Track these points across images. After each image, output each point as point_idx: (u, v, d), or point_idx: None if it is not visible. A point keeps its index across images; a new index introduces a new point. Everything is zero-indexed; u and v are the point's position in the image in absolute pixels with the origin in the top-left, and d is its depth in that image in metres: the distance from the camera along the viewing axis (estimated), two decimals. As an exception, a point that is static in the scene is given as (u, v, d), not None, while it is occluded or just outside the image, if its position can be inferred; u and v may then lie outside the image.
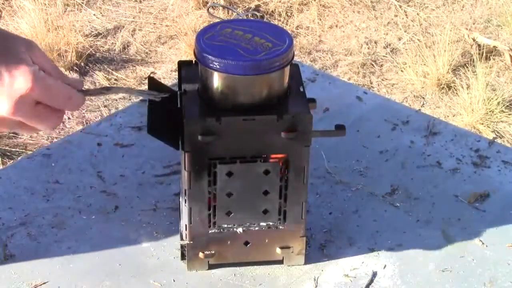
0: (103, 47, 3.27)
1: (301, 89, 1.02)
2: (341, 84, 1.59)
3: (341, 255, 1.14)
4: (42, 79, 0.84)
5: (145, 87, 0.99)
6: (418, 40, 3.30)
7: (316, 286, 1.09)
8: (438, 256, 1.14)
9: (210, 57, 0.95)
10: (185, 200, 1.03)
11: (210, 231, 1.06)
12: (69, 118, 2.81)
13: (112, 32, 3.38)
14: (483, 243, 1.17)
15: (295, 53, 1.04)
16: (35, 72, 0.83)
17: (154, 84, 1.03)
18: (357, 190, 1.27)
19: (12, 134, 2.69)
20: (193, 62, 1.03)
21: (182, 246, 1.09)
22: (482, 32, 3.37)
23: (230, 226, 1.06)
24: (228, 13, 3.36)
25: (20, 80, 0.82)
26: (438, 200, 1.25)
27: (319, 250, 1.14)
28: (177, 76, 1.06)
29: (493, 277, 1.11)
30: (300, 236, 1.08)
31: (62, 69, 3.03)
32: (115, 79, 3.08)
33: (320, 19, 3.49)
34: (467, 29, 3.37)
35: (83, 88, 0.90)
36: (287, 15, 3.51)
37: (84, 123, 2.76)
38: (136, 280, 1.09)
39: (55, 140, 2.62)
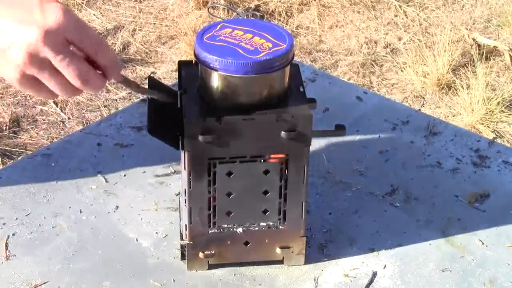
0: (103, 47, 3.27)
1: (301, 89, 1.02)
2: (341, 84, 1.59)
3: (341, 255, 1.14)
4: (73, 15, 0.84)
5: (144, 87, 0.99)
6: (418, 40, 3.30)
7: (316, 286, 1.09)
8: (438, 256, 1.14)
9: (210, 57, 0.95)
10: (185, 200, 1.03)
11: (210, 231, 1.06)
12: (69, 118, 2.81)
13: (112, 32, 3.38)
14: (483, 243, 1.17)
15: (295, 53, 1.04)
16: (66, 8, 0.84)
17: (154, 84, 1.03)
18: (357, 190, 1.27)
19: (12, 134, 2.69)
20: (193, 62, 1.03)
21: (182, 246, 1.09)
22: (482, 32, 3.37)
23: (230, 226, 1.06)
24: (228, 13, 3.36)
25: (50, 12, 0.82)
26: (438, 200, 1.25)
27: (319, 250, 1.14)
28: (177, 76, 1.06)
29: (493, 277, 1.11)
30: (300, 236, 1.08)
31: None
32: (115, 79, 3.08)
33: (320, 19, 3.49)
34: (467, 29, 3.37)
35: None
36: (287, 15, 3.51)
37: (84, 123, 2.76)
38: (136, 280, 1.09)
39: (55, 140, 2.62)
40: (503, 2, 3.52)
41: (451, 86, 3.03)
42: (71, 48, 0.85)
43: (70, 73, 0.85)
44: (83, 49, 0.86)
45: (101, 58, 0.87)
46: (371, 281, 1.10)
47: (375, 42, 3.35)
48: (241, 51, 0.96)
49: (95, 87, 0.88)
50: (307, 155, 1.01)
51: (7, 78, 0.86)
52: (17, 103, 2.86)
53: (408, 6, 3.57)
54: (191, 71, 1.03)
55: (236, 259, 1.10)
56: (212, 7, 3.43)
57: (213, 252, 1.08)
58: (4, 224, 1.18)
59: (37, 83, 0.86)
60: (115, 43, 3.29)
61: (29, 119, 2.78)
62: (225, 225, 1.06)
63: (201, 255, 1.08)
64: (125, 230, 1.17)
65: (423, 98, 3.02)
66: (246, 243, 1.08)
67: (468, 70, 3.04)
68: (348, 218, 1.21)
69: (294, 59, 1.00)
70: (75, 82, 0.86)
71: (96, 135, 1.38)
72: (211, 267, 1.10)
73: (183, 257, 1.10)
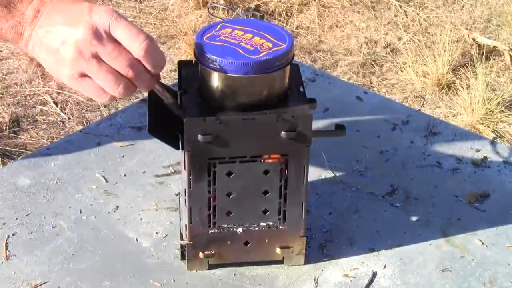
0: (103, 47, 3.27)
1: (301, 89, 1.02)
2: (341, 84, 1.59)
3: (341, 255, 1.14)
4: (121, 15, 0.87)
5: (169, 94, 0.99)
6: (418, 40, 3.30)
7: (316, 286, 1.09)
8: (438, 256, 1.14)
9: (210, 57, 0.95)
10: (185, 200, 1.03)
11: (210, 231, 1.06)
12: (69, 118, 2.81)
13: (112, 32, 3.37)
14: (483, 243, 1.17)
15: (295, 53, 1.04)
16: (114, 9, 0.87)
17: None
18: (357, 190, 1.27)
19: (12, 134, 2.69)
20: (193, 62, 1.03)
21: (182, 246, 1.09)
22: (482, 32, 3.37)
23: (230, 226, 1.06)
24: (228, 13, 3.36)
25: (98, 13, 0.86)
26: (438, 200, 1.25)
27: (319, 250, 1.14)
28: (177, 76, 1.06)
29: (493, 277, 1.11)
30: (300, 236, 1.08)
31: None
32: (115, 79, 3.07)
33: (320, 19, 3.49)
34: (467, 29, 3.37)
35: None
36: (287, 15, 3.51)
37: (84, 123, 2.76)
38: (136, 280, 1.09)
39: (55, 140, 2.62)
40: (503, 2, 3.52)
41: (451, 86, 3.03)
42: None
43: (121, 64, 0.88)
44: (130, 48, 0.88)
45: (151, 56, 0.89)
46: (371, 281, 1.10)
47: (375, 42, 3.35)
48: (241, 51, 0.96)
49: (145, 83, 0.91)
50: (307, 155, 1.01)
51: (60, 77, 0.89)
52: (17, 103, 2.86)
53: (408, 6, 3.57)
54: (191, 71, 1.03)
55: (236, 259, 1.10)
56: (212, 7, 3.43)
57: (213, 252, 1.08)
58: (4, 224, 1.18)
59: (89, 80, 0.89)
60: (115, 43, 3.29)
61: (29, 119, 2.78)
62: (225, 225, 1.06)
63: (201, 255, 1.08)
64: (125, 230, 1.17)
65: (423, 98, 3.02)
66: (246, 243, 1.08)
67: (468, 70, 3.04)
68: (348, 218, 1.21)
69: (294, 59, 1.00)
70: (127, 72, 0.88)
71: (96, 135, 1.38)
72: (211, 267, 1.10)
73: (183, 257, 1.10)
